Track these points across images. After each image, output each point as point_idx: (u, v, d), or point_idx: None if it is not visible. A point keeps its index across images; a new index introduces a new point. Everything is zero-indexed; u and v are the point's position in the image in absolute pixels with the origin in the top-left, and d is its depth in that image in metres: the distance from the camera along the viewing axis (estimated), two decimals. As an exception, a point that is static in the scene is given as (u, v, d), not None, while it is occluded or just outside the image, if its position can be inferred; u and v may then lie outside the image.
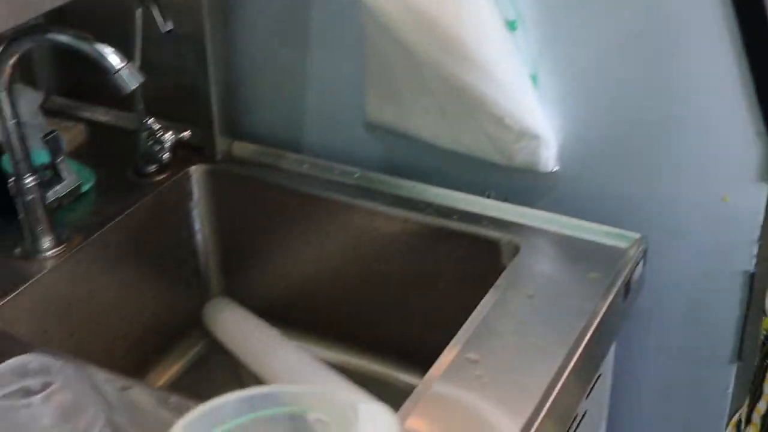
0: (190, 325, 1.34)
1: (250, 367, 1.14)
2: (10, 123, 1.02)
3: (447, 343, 0.96)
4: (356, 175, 1.24)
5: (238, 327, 1.26)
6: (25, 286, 1.08)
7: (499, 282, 1.04)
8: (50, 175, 1.15)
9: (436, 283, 1.20)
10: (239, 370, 1.31)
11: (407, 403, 0.87)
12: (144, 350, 1.26)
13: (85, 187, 1.22)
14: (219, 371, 1.29)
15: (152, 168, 1.26)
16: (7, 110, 1.01)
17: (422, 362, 0.93)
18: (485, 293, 1.03)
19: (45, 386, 0.83)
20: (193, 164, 1.29)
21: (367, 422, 0.80)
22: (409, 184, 1.22)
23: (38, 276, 1.09)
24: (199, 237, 1.32)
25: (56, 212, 1.15)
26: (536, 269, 1.07)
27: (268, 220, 1.29)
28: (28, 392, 0.83)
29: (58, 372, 0.83)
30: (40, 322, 1.10)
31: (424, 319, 1.22)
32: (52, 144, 1.13)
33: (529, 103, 1.10)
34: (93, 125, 1.33)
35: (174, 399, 0.90)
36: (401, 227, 1.19)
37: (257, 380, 1.17)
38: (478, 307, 1.00)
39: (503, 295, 1.02)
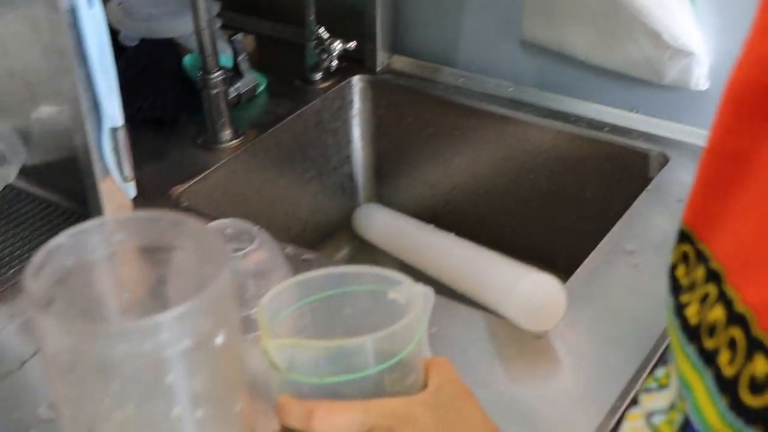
0: (341, 227, 1.43)
1: (408, 260, 1.22)
2: (204, 19, 1.12)
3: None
4: (510, 89, 1.31)
5: (391, 224, 1.33)
6: (206, 173, 1.18)
7: (650, 187, 1.10)
8: (232, 74, 1.24)
9: (583, 193, 1.26)
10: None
11: (566, 285, 0.94)
12: (301, 245, 1.36)
13: (258, 90, 1.31)
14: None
15: (318, 76, 1.34)
16: (203, 5, 1.11)
17: (567, 270, 0.99)
18: (630, 205, 1.08)
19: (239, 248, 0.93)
20: (355, 75, 1.37)
21: (527, 290, 0.88)
22: (560, 97, 1.28)
23: (217, 164, 1.20)
24: (355, 143, 1.41)
25: (234, 109, 1.24)
26: (685, 180, 1.12)
27: (422, 131, 1.36)
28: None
29: (254, 235, 0.92)
30: (216, 207, 1.20)
31: (569, 229, 1.29)
32: (236, 44, 1.23)
33: (687, 20, 1.14)
34: (261, 38, 1.42)
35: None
36: (552, 139, 1.25)
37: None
38: (632, 208, 1.07)
39: (655, 199, 1.08)
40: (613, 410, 0.81)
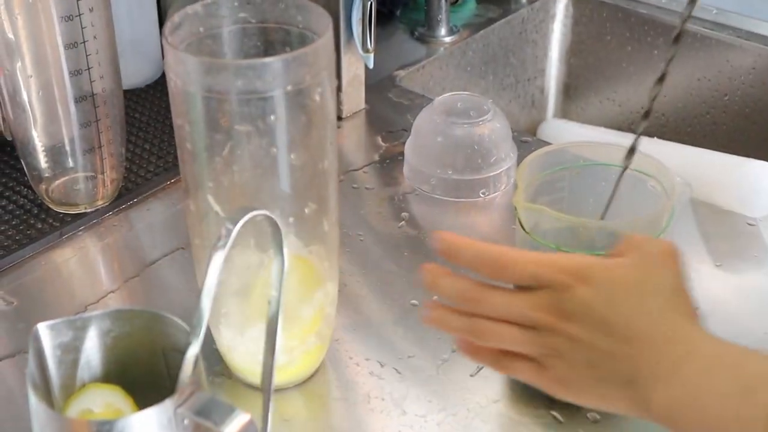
0: (526, 138, 1.50)
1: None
2: None
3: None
4: (714, 12, 1.35)
5: (582, 134, 1.39)
6: (424, 62, 1.26)
7: None
8: (451, -26, 1.32)
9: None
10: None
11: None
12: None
13: (470, -6, 1.39)
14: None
15: (526, -14, 1.41)
16: None
17: None
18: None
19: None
20: (560, -11, 1.43)
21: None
22: (764, 23, 1.31)
23: (433, 56, 1.28)
24: (552, 57, 1.47)
25: (451, 7, 1.32)
26: None
27: (621, 48, 1.42)
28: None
29: (488, 107, 1.00)
30: (429, 89, 1.28)
31: (760, 155, 1.33)
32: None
33: None
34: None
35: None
36: (753, 61, 1.29)
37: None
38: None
39: None
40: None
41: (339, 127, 1.11)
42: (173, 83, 0.64)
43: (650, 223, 0.71)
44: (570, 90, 1.51)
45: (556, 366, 0.60)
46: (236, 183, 0.66)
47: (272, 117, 0.62)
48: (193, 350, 0.54)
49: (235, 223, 0.53)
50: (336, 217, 0.72)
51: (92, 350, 0.59)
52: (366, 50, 1.07)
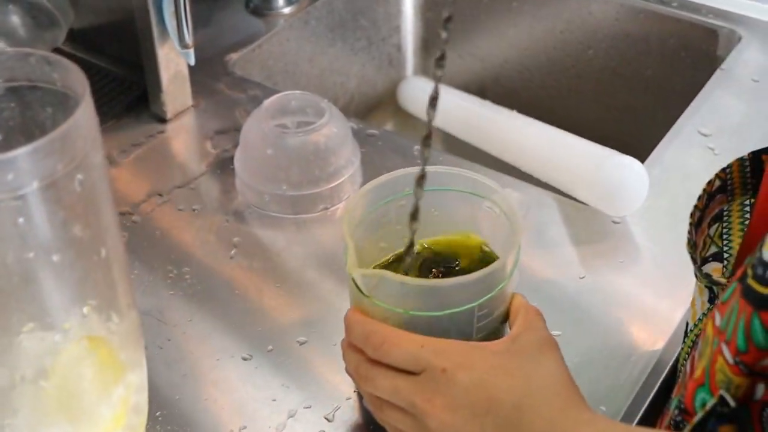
0: (386, 100, 1.40)
1: (461, 135, 1.18)
2: None
3: (649, 134, 0.99)
4: (573, -40, 1.25)
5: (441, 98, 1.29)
6: (260, 41, 1.14)
7: (723, 66, 1.06)
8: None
9: (644, 72, 1.22)
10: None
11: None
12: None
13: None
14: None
15: (370, -60, 1.28)
16: None
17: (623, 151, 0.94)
18: (697, 86, 1.04)
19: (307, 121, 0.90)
20: (408, -60, 1.31)
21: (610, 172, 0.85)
22: (626, -30, 1.22)
23: (271, 33, 1.15)
24: (406, 13, 1.36)
25: (287, -26, 1.19)
26: (759, 60, 1.08)
27: (478, 1, 1.31)
28: (299, 124, 0.90)
29: (323, 108, 0.89)
30: (269, 76, 1.16)
31: (626, 109, 1.25)
32: None
33: None
34: None
35: (416, 147, 0.96)
36: (615, 13, 1.20)
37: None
38: (705, 88, 1.03)
39: (728, 80, 1.04)
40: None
41: (163, 132, 0.99)
42: None
43: (498, 271, 0.62)
44: (429, 45, 1.40)
45: None
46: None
47: (21, 220, 0.51)
48: None
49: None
50: (130, 300, 0.61)
51: None
52: (184, 46, 0.94)
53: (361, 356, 0.63)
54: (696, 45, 1.16)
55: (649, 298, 0.79)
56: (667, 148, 0.95)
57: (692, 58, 1.17)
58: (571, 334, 0.76)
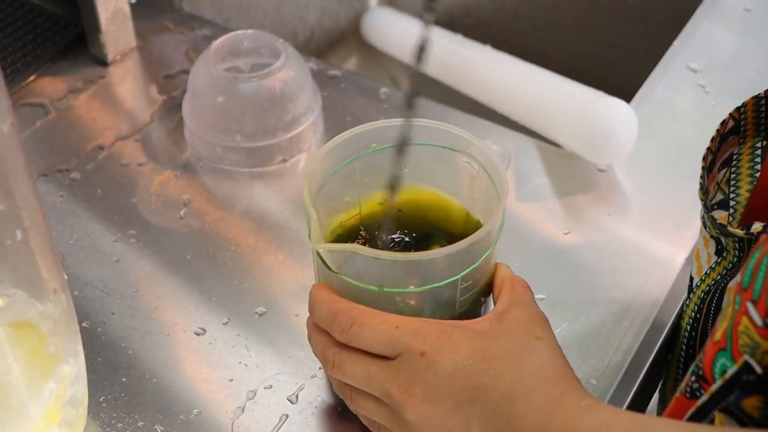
0: (349, 34, 1.31)
1: (431, 72, 1.10)
2: None
3: (632, 70, 0.91)
4: None
5: (408, 30, 1.20)
6: (209, -28, 1.04)
7: (710, -5, 0.99)
8: None
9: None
10: (397, 81, 1.29)
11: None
12: (308, 54, 1.24)
13: None
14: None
15: None
16: None
17: (606, 88, 0.87)
18: (683, 15, 0.97)
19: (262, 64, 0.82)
20: None
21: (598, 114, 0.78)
22: None
23: (221, -37, 1.06)
24: (367, -60, 1.26)
25: None
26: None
27: (444, -75, 1.22)
28: (253, 67, 0.82)
29: (279, 49, 0.80)
30: (221, 11, 1.07)
31: (607, 41, 1.18)
32: None
33: None
34: None
35: (383, 90, 0.88)
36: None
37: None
38: (692, 19, 0.95)
39: (716, 10, 0.96)
40: (689, 260, 0.72)
41: (103, 76, 0.90)
42: None
43: (483, 239, 0.55)
44: (392, -26, 1.31)
45: None
46: None
47: None
48: None
49: None
50: (58, 283, 0.53)
51: None
52: (123, -19, 0.85)
53: (328, 339, 0.55)
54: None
55: (639, 254, 0.73)
56: (655, 87, 0.87)
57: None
58: (557, 298, 0.69)
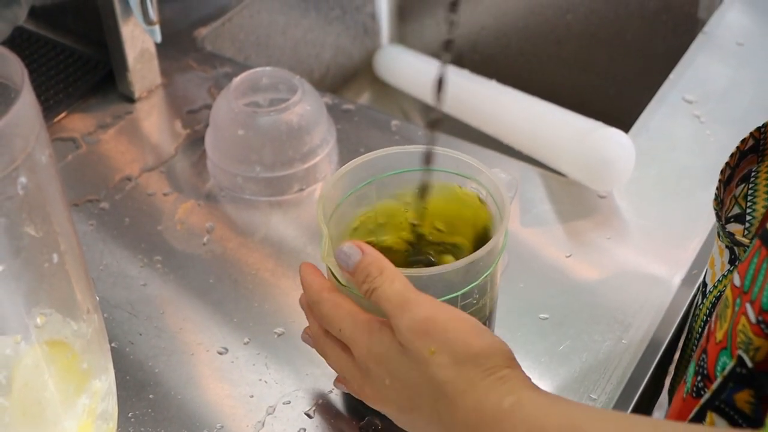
0: (362, 70, 1.36)
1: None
2: None
3: (631, 101, 0.95)
4: None
5: (417, 67, 1.25)
6: (229, 13, 1.10)
7: (705, 29, 1.03)
8: None
9: (624, 35, 1.19)
10: (408, 114, 1.34)
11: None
12: (323, 90, 1.29)
13: None
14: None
15: None
16: None
17: (606, 119, 0.89)
18: (679, 49, 1.01)
19: (280, 99, 0.86)
20: None
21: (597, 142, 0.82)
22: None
23: (241, 4, 1.11)
24: (379, -20, 1.32)
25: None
26: (741, 22, 1.05)
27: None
28: (271, 102, 0.86)
29: (296, 85, 0.85)
30: (240, 50, 1.12)
31: (608, 74, 1.22)
32: None
33: None
34: None
35: (395, 122, 0.92)
36: (595, -25, 1.17)
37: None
38: (687, 52, 1.00)
39: (710, 43, 1.01)
40: (687, 280, 0.76)
41: (130, 112, 0.95)
42: None
43: (483, 258, 0.59)
44: (404, 13, 1.36)
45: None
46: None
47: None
48: None
49: None
50: (91, 304, 0.57)
51: None
52: (149, 22, 0.90)
53: (317, 330, 0.62)
54: (677, 7, 1.13)
55: (638, 275, 0.77)
56: (652, 117, 0.92)
57: (673, 20, 1.14)
58: (560, 317, 0.73)
